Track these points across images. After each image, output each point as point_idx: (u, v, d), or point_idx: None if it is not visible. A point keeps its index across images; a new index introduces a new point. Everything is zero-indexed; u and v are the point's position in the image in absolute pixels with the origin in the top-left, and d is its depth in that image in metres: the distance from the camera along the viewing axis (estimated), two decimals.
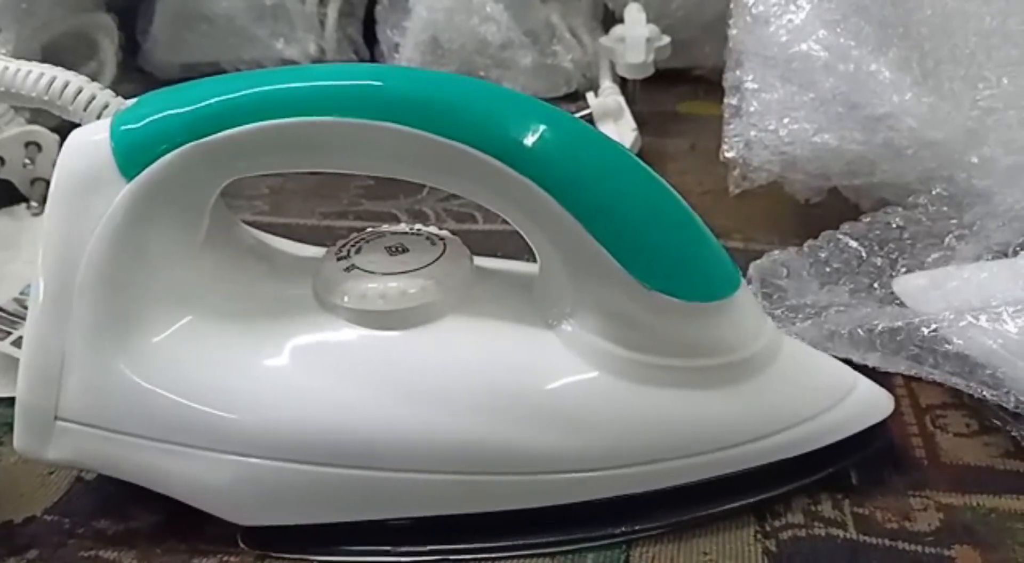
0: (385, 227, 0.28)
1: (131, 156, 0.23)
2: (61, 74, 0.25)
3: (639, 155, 0.48)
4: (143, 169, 0.23)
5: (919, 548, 0.25)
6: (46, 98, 0.24)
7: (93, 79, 0.48)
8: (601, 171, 0.24)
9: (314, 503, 0.25)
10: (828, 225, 0.38)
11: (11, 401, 0.30)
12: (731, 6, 0.39)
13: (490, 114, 0.23)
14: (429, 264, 0.26)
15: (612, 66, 0.51)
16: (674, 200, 0.25)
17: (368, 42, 0.58)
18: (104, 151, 0.23)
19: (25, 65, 0.25)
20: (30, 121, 0.45)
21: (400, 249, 0.26)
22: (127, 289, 0.24)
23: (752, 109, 0.38)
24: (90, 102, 0.24)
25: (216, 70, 0.57)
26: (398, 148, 0.23)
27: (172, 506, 0.26)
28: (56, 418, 0.24)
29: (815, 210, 0.42)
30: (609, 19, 0.54)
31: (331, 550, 0.25)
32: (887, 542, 0.25)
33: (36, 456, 0.25)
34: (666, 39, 0.51)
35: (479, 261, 0.27)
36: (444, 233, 0.27)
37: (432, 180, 0.25)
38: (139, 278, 0.24)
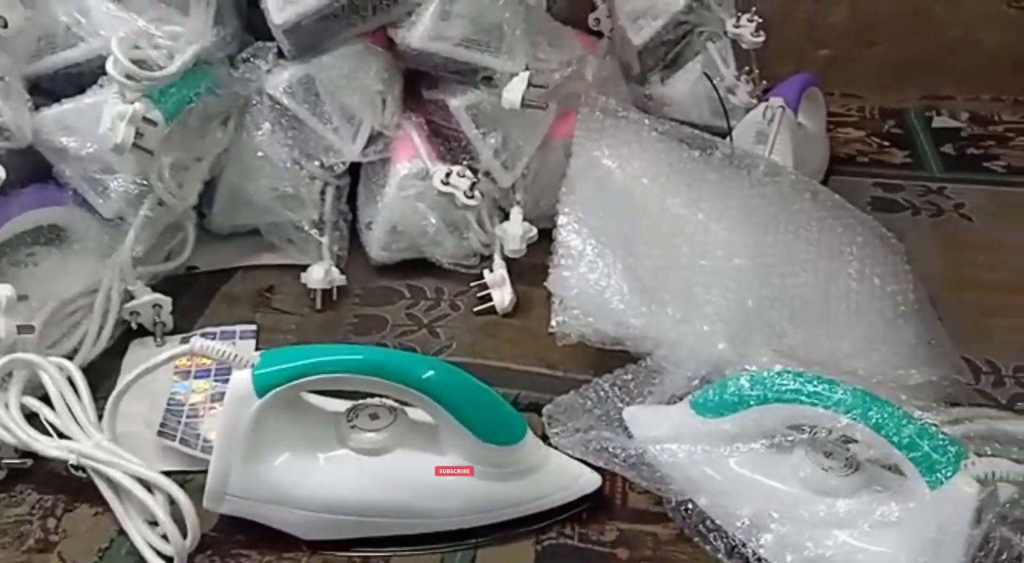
0: (370, 401, 0.56)
1: (262, 387, 0.51)
2: (228, 348, 0.52)
3: (516, 305, 0.75)
4: (268, 393, 0.51)
5: (603, 549, 0.55)
6: (221, 360, 0.52)
7: (181, 247, 0.76)
8: (458, 390, 0.52)
9: (339, 528, 0.53)
10: (623, 358, 0.66)
11: (179, 473, 0.58)
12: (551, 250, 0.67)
13: (408, 368, 0.52)
14: (390, 424, 0.54)
15: (502, 247, 0.79)
16: (495, 399, 0.54)
17: (353, 210, 0.85)
18: (248, 385, 0.51)
19: (207, 344, 0.52)
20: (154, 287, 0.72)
21: (375, 415, 0.55)
22: (258, 443, 0.52)
23: (564, 307, 0.67)
24: (240, 361, 0.52)
25: (255, 231, 0.83)
26: (372, 383, 0.52)
27: (269, 530, 0.54)
28: (226, 494, 0.52)
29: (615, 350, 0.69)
30: (504, 213, 0.81)
31: (345, 549, 0.54)
32: (588, 545, 0.55)
33: (215, 510, 0.53)
34: (535, 231, 0.78)
35: (412, 413, 0.56)
36: (397, 406, 0.55)
37: (384, 392, 0.53)
38: (263, 438, 0.52)
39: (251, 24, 0.82)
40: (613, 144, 0.73)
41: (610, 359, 0.66)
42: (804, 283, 0.69)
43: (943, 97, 1.15)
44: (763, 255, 0.69)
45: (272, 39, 0.77)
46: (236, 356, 0.52)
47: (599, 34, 0.97)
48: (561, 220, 0.68)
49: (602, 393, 0.63)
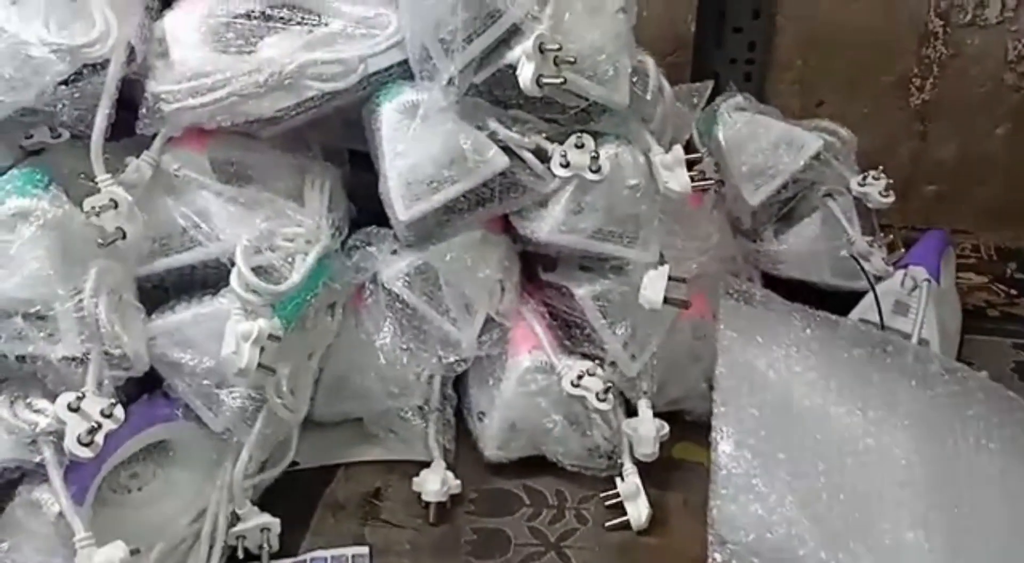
0: None
1: None
2: None
3: (653, 515, 0.66)
4: None
5: None
6: None
7: (283, 451, 0.67)
8: None
9: None
10: None
11: None
12: (711, 478, 0.58)
13: None
14: None
15: (631, 448, 0.70)
16: None
17: (458, 392, 0.77)
18: None
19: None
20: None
21: None
22: None
23: (722, 541, 0.57)
24: None
25: (356, 419, 0.76)
26: None
27: None
28: None
29: None
30: (630, 406, 0.73)
31: None
32: None
33: None
34: (667, 427, 0.70)
35: None
36: None
37: None
38: None
39: (353, 193, 0.76)
40: (764, 343, 0.65)
41: None
42: (994, 509, 0.59)
43: None
44: (945, 476, 0.60)
45: (381, 215, 0.70)
46: None
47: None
48: (721, 445, 0.59)
49: None
